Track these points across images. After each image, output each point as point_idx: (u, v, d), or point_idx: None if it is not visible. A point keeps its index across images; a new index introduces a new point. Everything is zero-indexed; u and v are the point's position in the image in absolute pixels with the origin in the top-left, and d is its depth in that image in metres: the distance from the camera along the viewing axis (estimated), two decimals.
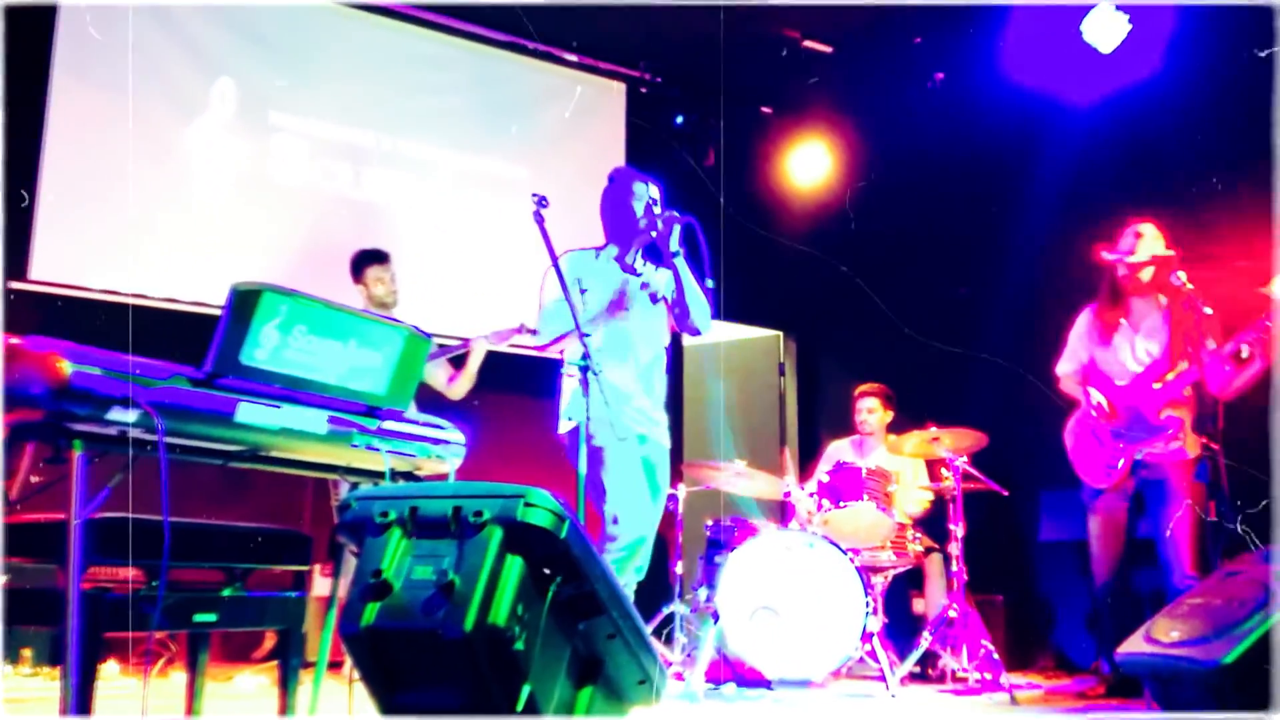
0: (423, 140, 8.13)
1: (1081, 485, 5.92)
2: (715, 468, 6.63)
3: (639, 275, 5.36)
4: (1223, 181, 6.57)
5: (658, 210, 5.20)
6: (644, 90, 9.07)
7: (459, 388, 6.79)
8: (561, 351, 5.25)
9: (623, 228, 5.32)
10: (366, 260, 6.64)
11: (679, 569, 6.44)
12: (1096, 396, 5.77)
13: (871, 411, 7.63)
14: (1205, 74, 6.88)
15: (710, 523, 6.64)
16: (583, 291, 5.21)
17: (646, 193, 5.26)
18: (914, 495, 7.22)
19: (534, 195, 4.63)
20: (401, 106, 8.02)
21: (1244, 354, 5.36)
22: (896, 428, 7.35)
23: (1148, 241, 5.82)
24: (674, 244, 5.09)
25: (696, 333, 5.28)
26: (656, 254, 5.34)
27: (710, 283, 5.08)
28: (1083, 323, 6.02)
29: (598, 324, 5.21)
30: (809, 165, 9.43)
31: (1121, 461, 5.73)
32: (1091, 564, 5.86)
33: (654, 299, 5.37)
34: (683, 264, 5.17)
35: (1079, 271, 6.29)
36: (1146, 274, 5.80)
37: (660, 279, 5.40)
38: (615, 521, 4.97)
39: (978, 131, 8.07)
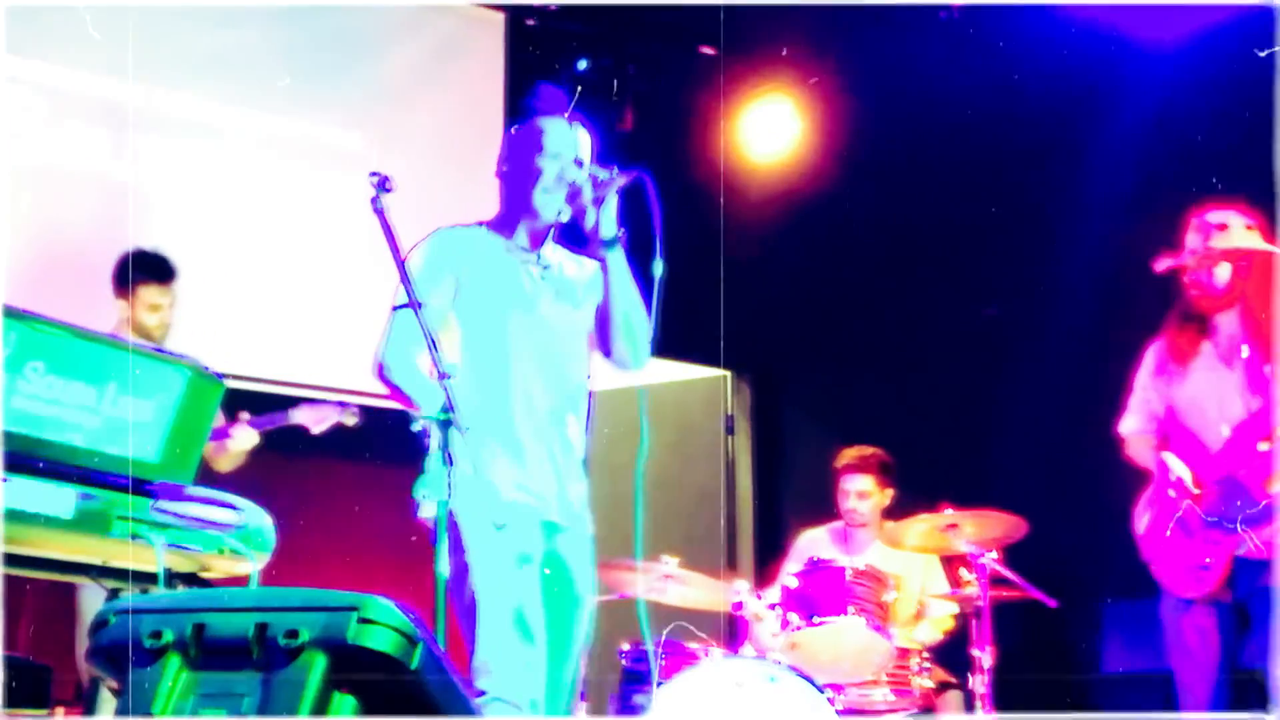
0: (210, 95, 6.80)
1: (1161, 594, 5.29)
2: (632, 568, 5.77)
3: (547, 267, 4.29)
4: None
5: (584, 172, 4.17)
6: (531, 22, 7.50)
7: (220, 460, 5.94)
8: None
9: (524, 196, 4.25)
10: (142, 271, 5.64)
11: (581, 712, 5.69)
12: (1176, 466, 5.19)
13: (863, 495, 6.58)
14: None
15: (627, 647, 5.94)
16: (455, 295, 4.20)
17: (569, 147, 4.24)
18: (929, 610, 6.45)
19: (373, 175, 3.90)
20: (180, 47, 6.75)
21: None
22: (897, 511, 6.47)
23: (1234, 236, 5.29)
24: (607, 221, 4.11)
25: (627, 366, 4.33)
26: (578, 236, 4.29)
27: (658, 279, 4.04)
28: (1150, 361, 5.44)
29: (478, 349, 4.20)
30: (772, 131, 7.72)
31: (1213, 560, 5.17)
32: (1178, 704, 5.31)
33: (572, 305, 4.39)
34: (619, 256, 4.16)
35: (1158, 284, 5.49)
36: (1223, 272, 5.23)
37: (581, 275, 4.34)
38: (486, 671, 3.98)
39: (1012, 84, 6.79)
